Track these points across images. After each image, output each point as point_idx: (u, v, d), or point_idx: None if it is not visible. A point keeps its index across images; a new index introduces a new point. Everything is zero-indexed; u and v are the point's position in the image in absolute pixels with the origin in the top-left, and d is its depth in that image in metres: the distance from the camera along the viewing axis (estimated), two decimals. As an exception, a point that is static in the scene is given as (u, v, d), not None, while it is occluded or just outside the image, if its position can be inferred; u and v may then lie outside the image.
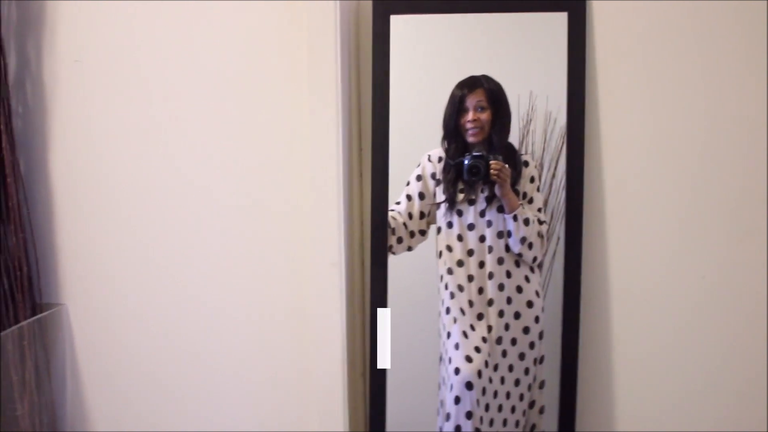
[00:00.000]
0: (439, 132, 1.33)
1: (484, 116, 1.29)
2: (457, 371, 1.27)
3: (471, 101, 1.29)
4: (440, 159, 1.34)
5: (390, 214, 1.34)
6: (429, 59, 1.37)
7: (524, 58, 1.35)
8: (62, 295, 1.42)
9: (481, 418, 1.27)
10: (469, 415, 1.26)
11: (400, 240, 1.34)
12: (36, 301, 1.38)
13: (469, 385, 1.26)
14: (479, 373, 1.27)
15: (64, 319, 1.41)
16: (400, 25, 1.32)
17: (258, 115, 1.32)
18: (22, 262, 1.34)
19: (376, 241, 1.31)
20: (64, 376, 1.42)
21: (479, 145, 1.30)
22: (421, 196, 1.35)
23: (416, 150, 1.37)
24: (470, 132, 1.30)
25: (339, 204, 1.28)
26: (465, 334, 1.30)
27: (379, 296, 1.32)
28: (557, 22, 1.29)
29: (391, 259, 1.35)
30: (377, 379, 1.33)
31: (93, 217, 1.40)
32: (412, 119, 1.36)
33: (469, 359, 1.27)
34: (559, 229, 1.31)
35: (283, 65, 1.30)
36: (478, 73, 1.30)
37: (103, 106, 1.37)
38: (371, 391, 1.34)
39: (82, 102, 1.38)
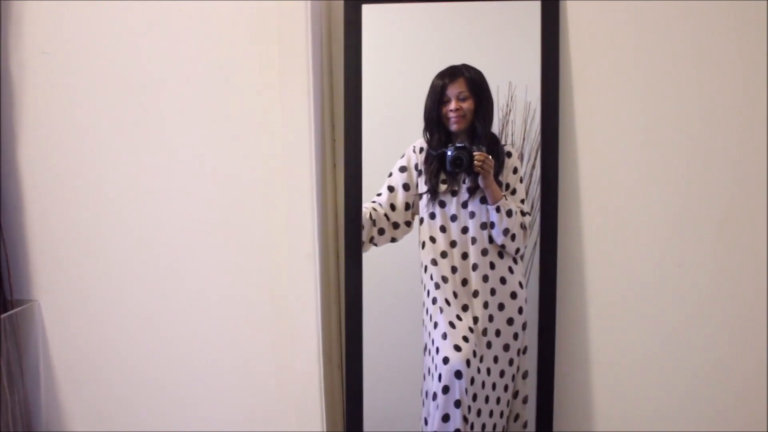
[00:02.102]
0: (415, 122, 1.32)
1: (466, 105, 1.28)
2: (446, 360, 1.27)
3: (452, 91, 1.28)
4: (422, 150, 1.33)
5: (371, 205, 1.33)
6: (404, 49, 1.36)
7: (502, 48, 1.35)
8: (34, 292, 1.38)
9: (469, 408, 1.28)
10: (457, 403, 1.26)
11: (381, 231, 1.33)
12: (7, 297, 1.35)
13: (458, 374, 1.26)
14: (468, 363, 1.27)
15: (36, 315, 1.39)
16: (372, 14, 1.30)
17: (229, 106, 1.30)
18: (-7, 258, 1.31)
19: (349, 233, 1.30)
20: (37, 373, 1.40)
21: (462, 133, 1.30)
22: (406, 187, 1.34)
23: (391, 141, 1.36)
24: (453, 120, 1.29)
25: (312, 196, 1.26)
26: (452, 324, 1.29)
27: (354, 288, 1.31)
28: (532, 11, 1.29)
29: (372, 251, 1.33)
30: (354, 372, 1.32)
31: (64, 212, 1.36)
32: (387, 110, 1.35)
33: (457, 348, 1.27)
34: (538, 219, 1.32)
35: (253, 56, 1.28)
36: (455, 63, 1.29)
37: (73, 99, 1.34)
38: (347, 383, 1.33)
39: (51, 94, 1.34)
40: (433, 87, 1.30)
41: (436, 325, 1.30)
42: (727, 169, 1.27)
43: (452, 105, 1.28)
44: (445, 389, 1.26)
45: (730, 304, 1.30)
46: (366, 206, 1.33)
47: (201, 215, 1.33)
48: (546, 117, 1.29)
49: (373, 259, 1.33)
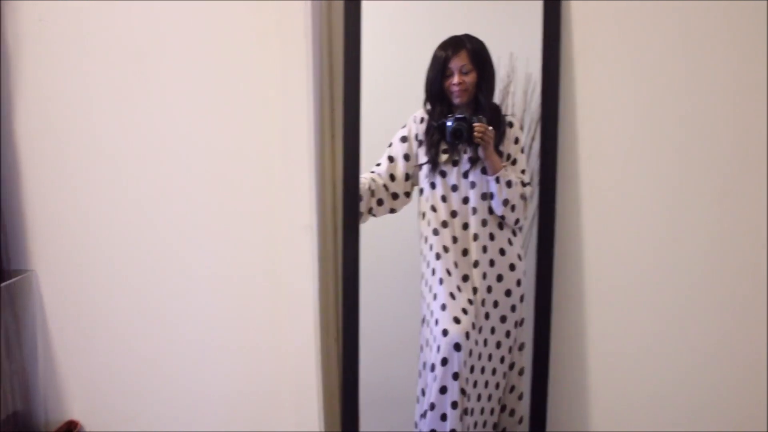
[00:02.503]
0: (414, 93, 1.31)
1: (469, 78, 1.27)
2: (445, 333, 1.27)
3: (455, 64, 1.27)
4: (422, 120, 1.32)
5: (370, 176, 1.33)
6: (404, 18, 1.34)
7: (503, 19, 1.34)
8: (31, 262, 1.37)
9: (467, 380, 1.28)
10: (455, 376, 1.26)
11: (380, 202, 1.33)
12: (4, 267, 1.34)
13: (457, 347, 1.26)
14: (467, 335, 1.27)
15: (34, 285, 1.38)
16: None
17: (227, 77, 1.28)
18: (-11, 227, 1.30)
19: (347, 204, 1.30)
20: (35, 343, 1.39)
21: (465, 106, 1.29)
22: (406, 157, 1.33)
23: (389, 112, 1.36)
24: (455, 94, 1.28)
25: (310, 166, 1.26)
26: (452, 296, 1.29)
27: (351, 260, 1.30)
28: (534, -18, 1.28)
29: (370, 222, 1.33)
30: (350, 344, 1.32)
31: (60, 181, 1.35)
32: (386, 81, 1.34)
33: (457, 320, 1.27)
34: (537, 191, 1.31)
35: (251, 25, 1.26)
36: (455, 33, 1.28)
37: (71, 67, 1.32)
38: (344, 356, 1.33)
39: (48, 62, 1.32)
40: (435, 59, 1.28)
41: (435, 296, 1.30)
42: (728, 143, 1.26)
43: (455, 79, 1.27)
44: (444, 361, 1.27)
45: (728, 277, 1.30)
46: (365, 177, 1.32)
47: (198, 187, 1.32)
48: (546, 89, 1.28)
49: (371, 230, 1.32)
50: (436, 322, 1.29)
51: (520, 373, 1.36)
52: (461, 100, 1.28)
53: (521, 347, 1.36)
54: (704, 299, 1.31)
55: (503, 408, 1.37)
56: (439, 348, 1.27)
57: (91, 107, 1.32)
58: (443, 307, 1.29)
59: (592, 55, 1.28)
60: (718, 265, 1.30)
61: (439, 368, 1.27)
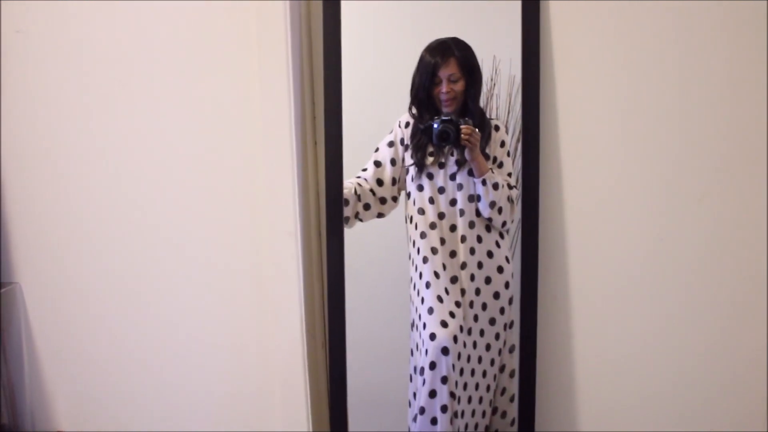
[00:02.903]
0: (397, 98, 1.30)
1: (458, 87, 1.27)
2: (432, 337, 1.26)
3: (444, 73, 1.26)
4: (407, 124, 1.32)
5: (356, 180, 1.32)
6: (385, 19, 1.34)
7: (485, 21, 1.34)
8: (15, 274, 1.37)
9: (456, 383, 1.28)
10: (444, 380, 1.26)
11: (367, 206, 1.32)
12: (-13, 280, 1.34)
13: (444, 351, 1.26)
14: (455, 339, 1.27)
15: (18, 297, 1.37)
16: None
17: (207, 84, 1.28)
18: (-29, 240, 1.29)
19: (331, 210, 1.29)
20: (20, 355, 1.39)
21: (453, 113, 1.28)
22: (393, 162, 1.33)
23: (372, 118, 1.35)
24: (445, 103, 1.27)
25: (293, 173, 1.25)
26: (439, 299, 1.29)
27: (336, 266, 1.30)
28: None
29: (358, 227, 1.32)
30: (337, 349, 1.32)
31: (42, 192, 1.35)
32: (368, 86, 1.34)
33: (444, 324, 1.27)
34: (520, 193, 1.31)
35: (231, 32, 1.25)
36: (438, 36, 1.27)
37: (48, 77, 1.31)
38: (331, 361, 1.32)
39: (26, 73, 1.31)
40: (424, 65, 1.27)
41: (423, 300, 1.30)
42: (710, 141, 1.27)
43: (444, 87, 1.26)
44: (432, 365, 1.26)
45: (713, 278, 1.30)
46: (351, 182, 1.31)
47: (181, 195, 1.32)
48: (527, 90, 1.27)
49: (359, 234, 1.32)
50: (424, 326, 1.29)
51: (511, 375, 1.36)
52: (450, 108, 1.28)
53: (511, 349, 1.35)
54: (691, 299, 1.31)
55: (494, 410, 1.37)
56: (427, 352, 1.27)
57: (71, 118, 1.32)
58: (430, 310, 1.28)
59: (573, 55, 1.28)
60: (704, 264, 1.30)
61: (427, 372, 1.27)
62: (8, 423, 1.36)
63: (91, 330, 1.39)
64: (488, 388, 1.35)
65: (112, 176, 1.33)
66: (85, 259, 1.36)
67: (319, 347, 1.41)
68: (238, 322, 1.35)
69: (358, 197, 1.31)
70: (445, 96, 1.27)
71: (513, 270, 1.33)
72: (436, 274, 1.30)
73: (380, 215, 1.34)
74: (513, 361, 1.36)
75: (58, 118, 1.32)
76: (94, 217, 1.34)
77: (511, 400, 1.37)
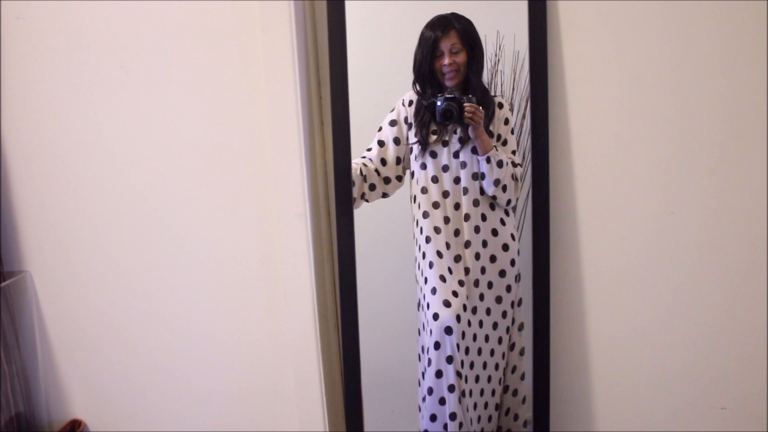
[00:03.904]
0: (403, 75, 1.29)
1: (460, 58, 1.26)
2: (435, 317, 1.27)
3: (445, 44, 1.25)
4: (411, 103, 1.31)
5: (361, 161, 1.32)
6: (388, 2, 1.32)
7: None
8: (25, 262, 1.37)
9: (462, 362, 1.28)
10: (449, 359, 1.26)
11: (372, 187, 1.32)
12: (-2, 269, 1.34)
13: (448, 330, 1.26)
14: (458, 318, 1.27)
15: (29, 286, 1.38)
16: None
17: (211, 67, 1.27)
18: (-20, 230, 1.29)
19: (340, 190, 1.29)
20: (33, 344, 1.40)
21: (455, 87, 1.28)
22: (397, 141, 1.32)
23: (377, 96, 1.34)
24: (448, 76, 1.27)
25: (301, 154, 1.24)
26: (443, 278, 1.29)
27: (346, 246, 1.29)
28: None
29: (364, 207, 1.32)
30: (350, 330, 1.32)
31: (50, 180, 1.35)
32: (373, 64, 1.33)
33: (447, 304, 1.27)
34: (529, 170, 1.30)
35: (235, 12, 1.24)
36: (441, 12, 1.26)
37: (51, 64, 1.31)
38: (344, 342, 1.33)
39: (29, 60, 1.31)
40: (424, 39, 1.26)
41: (426, 280, 1.30)
42: (719, 113, 1.25)
43: (446, 60, 1.26)
44: (437, 345, 1.26)
45: (724, 251, 1.29)
46: (356, 162, 1.31)
47: (190, 180, 1.32)
48: (535, 65, 1.26)
49: (365, 215, 1.32)
50: (428, 306, 1.29)
51: (521, 353, 1.36)
52: (453, 81, 1.27)
53: (520, 327, 1.35)
54: (703, 272, 1.30)
55: (505, 388, 1.37)
56: (431, 332, 1.27)
57: (80, 105, 1.32)
58: (433, 291, 1.28)
59: (580, 28, 1.26)
60: (716, 237, 1.29)
61: (432, 352, 1.27)
62: (24, 411, 1.37)
63: (103, 318, 1.39)
64: (497, 366, 1.35)
65: (120, 164, 1.33)
66: (95, 247, 1.36)
67: (331, 328, 1.41)
68: (249, 305, 1.35)
69: (364, 178, 1.31)
70: (448, 68, 1.26)
71: (519, 247, 1.33)
72: (439, 254, 1.29)
73: (385, 195, 1.34)
74: (522, 339, 1.36)
75: (64, 106, 1.32)
76: (103, 205, 1.35)
77: (522, 378, 1.37)
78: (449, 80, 1.27)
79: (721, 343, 1.32)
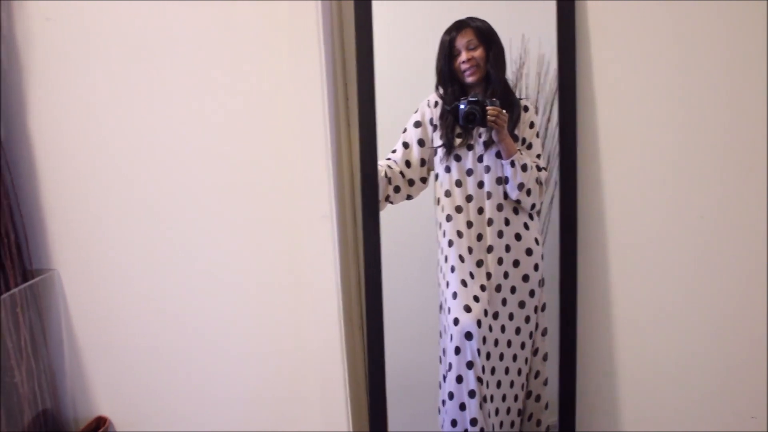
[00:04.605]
0: (428, 78, 1.29)
1: (477, 53, 1.26)
2: (456, 321, 1.26)
3: (461, 42, 1.26)
4: (436, 104, 1.31)
5: (386, 163, 1.32)
6: (415, 5, 1.32)
7: (513, 1, 1.30)
8: (53, 261, 1.39)
9: (483, 368, 1.27)
10: (470, 365, 1.26)
11: (397, 189, 1.32)
12: (26, 267, 1.36)
13: (468, 335, 1.25)
14: (479, 323, 1.26)
15: (57, 284, 1.40)
16: (382, -30, 1.27)
17: (239, 69, 1.28)
18: (9, 229, 1.31)
19: (366, 192, 1.29)
20: (60, 341, 1.41)
21: (477, 85, 1.27)
22: (421, 142, 1.32)
23: (404, 98, 1.34)
24: (467, 73, 1.26)
25: (327, 156, 1.25)
26: (464, 283, 1.28)
27: (372, 248, 1.29)
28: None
29: (388, 209, 1.32)
30: (375, 332, 1.32)
31: (78, 180, 1.36)
32: (399, 67, 1.32)
33: (467, 309, 1.26)
34: (556, 174, 1.29)
35: (263, 17, 1.25)
36: (466, 14, 1.26)
37: (80, 64, 1.32)
38: (369, 344, 1.33)
39: (58, 62, 1.33)
40: (441, 43, 1.27)
41: (448, 284, 1.29)
42: (751, 119, 1.23)
43: (463, 56, 1.26)
44: (457, 350, 1.26)
45: (755, 256, 1.27)
46: (381, 164, 1.31)
47: (216, 182, 1.32)
48: (562, 67, 1.25)
49: (389, 217, 1.31)
50: (449, 310, 1.28)
51: (544, 358, 1.35)
52: (474, 78, 1.26)
53: (544, 332, 1.34)
54: (734, 279, 1.28)
55: (528, 394, 1.36)
56: (452, 337, 1.27)
57: (107, 105, 1.33)
58: (454, 295, 1.28)
59: (609, 34, 1.25)
60: (746, 243, 1.26)
61: (453, 357, 1.27)
62: (50, 408, 1.39)
63: (129, 318, 1.40)
64: (519, 371, 1.34)
65: (147, 165, 1.34)
66: (123, 247, 1.38)
67: (356, 330, 1.42)
68: (275, 307, 1.36)
69: (389, 180, 1.31)
70: (467, 65, 1.25)
71: (543, 252, 1.32)
72: (462, 258, 1.29)
73: (409, 197, 1.34)
74: (546, 345, 1.34)
75: (92, 106, 1.33)
76: (131, 204, 1.36)
77: (545, 383, 1.35)
78: (469, 77, 1.27)
79: (753, 350, 1.30)
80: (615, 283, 1.33)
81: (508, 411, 1.34)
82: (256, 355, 1.39)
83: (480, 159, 1.29)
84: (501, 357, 1.31)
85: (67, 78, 1.33)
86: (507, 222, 1.29)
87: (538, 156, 1.30)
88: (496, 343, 1.30)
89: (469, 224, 1.29)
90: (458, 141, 1.29)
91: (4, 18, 1.31)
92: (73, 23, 1.31)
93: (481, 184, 1.29)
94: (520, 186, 1.27)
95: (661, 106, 1.26)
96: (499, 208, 1.29)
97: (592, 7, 1.24)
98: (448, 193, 1.30)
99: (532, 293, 1.32)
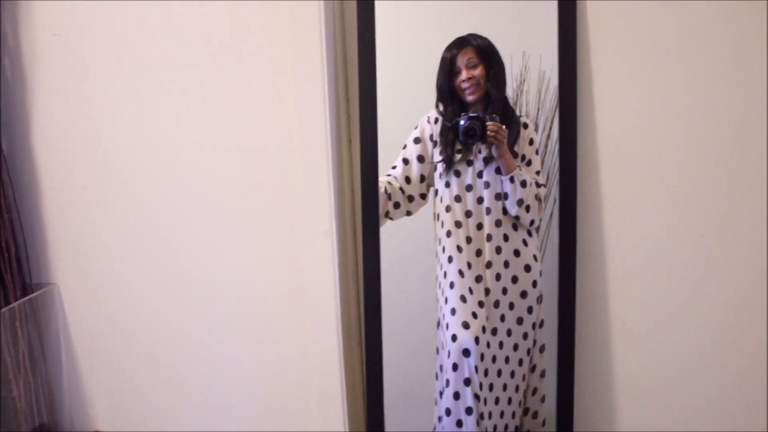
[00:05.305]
0: (429, 95, 1.30)
1: (478, 72, 1.26)
2: (454, 338, 1.26)
3: (462, 60, 1.26)
4: (437, 120, 1.32)
5: (386, 179, 1.32)
6: (416, 22, 1.33)
7: (514, 18, 1.32)
8: (52, 275, 1.40)
9: (481, 384, 1.27)
10: (467, 381, 1.25)
11: (397, 205, 1.32)
12: (26, 281, 1.37)
13: (466, 352, 1.25)
14: (476, 340, 1.26)
15: (56, 298, 1.40)
16: (385, -13, 1.28)
17: (242, 84, 1.29)
18: (10, 243, 1.32)
19: (367, 208, 1.29)
20: (59, 356, 1.41)
21: (477, 103, 1.28)
22: (420, 158, 1.32)
23: (405, 114, 1.34)
24: (468, 91, 1.27)
25: (328, 172, 1.25)
26: (463, 298, 1.28)
27: (372, 264, 1.30)
28: (546, -20, 1.26)
29: (388, 225, 1.33)
30: (373, 347, 1.32)
31: (79, 194, 1.37)
32: (401, 83, 1.33)
33: (466, 325, 1.26)
34: (555, 190, 1.30)
35: (266, 32, 1.26)
36: (468, 31, 1.27)
37: (85, 79, 1.34)
38: (368, 359, 1.32)
39: (63, 77, 1.34)
40: (442, 60, 1.27)
41: (446, 300, 1.29)
42: (752, 137, 1.23)
43: (463, 75, 1.26)
44: (455, 366, 1.26)
45: (755, 275, 1.26)
46: (381, 180, 1.31)
47: (217, 196, 1.33)
48: (563, 85, 1.26)
49: (388, 233, 1.32)
50: (447, 326, 1.28)
51: (542, 375, 1.34)
52: (474, 96, 1.27)
53: (542, 349, 1.34)
54: (733, 297, 1.28)
55: (526, 411, 1.35)
56: (450, 353, 1.26)
57: (107, 118, 1.34)
58: (453, 311, 1.28)
59: (609, 51, 1.26)
60: (746, 261, 1.26)
61: (450, 373, 1.26)
62: (47, 422, 1.39)
63: (128, 331, 1.41)
64: (517, 388, 1.33)
65: (148, 179, 1.35)
66: (123, 261, 1.38)
67: (354, 345, 1.41)
68: (275, 321, 1.36)
69: (389, 196, 1.31)
70: (467, 83, 1.26)
71: (541, 268, 1.32)
72: (461, 273, 1.29)
73: (408, 213, 1.34)
74: (544, 361, 1.34)
75: (95, 120, 1.34)
76: (131, 220, 1.37)
77: (543, 400, 1.35)
78: (470, 95, 1.27)
79: (752, 366, 1.29)
80: (614, 300, 1.33)
81: (506, 428, 1.33)
82: (255, 369, 1.39)
83: (480, 175, 1.30)
84: (499, 373, 1.30)
85: (72, 93, 1.34)
86: (506, 238, 1.30)
87: (538, 173, 1.30)
88: (494, 359, 1.30)
89: (468, 240, 1.30)
90: (458, 156, 1.30)
91: (10, 33, 1.33)
92: (78, 38, 1.32)
93: (480, 200, 1.30)
94: (519, 202, 1.27)
95: (662, 122, 1.26)
96: (498, 224, 1.29)
97: (594, 23, 1.25)
98: (447, 209, 1.31)
99: (530, 309, 1.31)
